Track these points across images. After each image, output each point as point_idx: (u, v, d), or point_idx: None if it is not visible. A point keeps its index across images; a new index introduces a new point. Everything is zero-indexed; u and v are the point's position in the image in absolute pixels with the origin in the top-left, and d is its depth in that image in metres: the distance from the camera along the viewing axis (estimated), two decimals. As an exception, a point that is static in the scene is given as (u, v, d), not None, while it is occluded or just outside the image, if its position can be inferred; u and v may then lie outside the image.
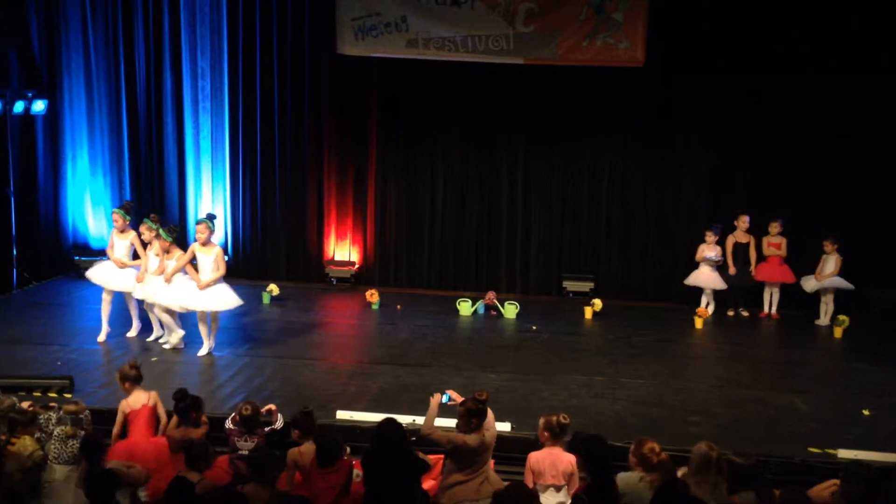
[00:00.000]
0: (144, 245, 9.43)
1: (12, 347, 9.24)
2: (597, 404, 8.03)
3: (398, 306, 11.46)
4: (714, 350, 10.13)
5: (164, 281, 9.05)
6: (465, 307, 11.24)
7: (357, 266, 12.60)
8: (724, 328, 10.95)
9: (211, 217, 9.30)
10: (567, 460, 5.83)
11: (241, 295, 11.63)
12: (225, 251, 12.64)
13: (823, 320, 11.03)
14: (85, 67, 12.54)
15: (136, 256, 9.55)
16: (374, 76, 12.17)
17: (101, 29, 12.43)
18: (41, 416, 6.34)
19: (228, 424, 6.55)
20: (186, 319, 9.47)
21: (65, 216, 12.83)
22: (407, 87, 12.15)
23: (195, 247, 9.07)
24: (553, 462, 5.83)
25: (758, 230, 11.26)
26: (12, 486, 5.37)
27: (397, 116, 12.30)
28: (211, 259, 9.03)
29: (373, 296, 11.41)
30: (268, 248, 12.79)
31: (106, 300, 9.53)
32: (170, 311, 9.17)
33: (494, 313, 11.23)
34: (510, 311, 11.15)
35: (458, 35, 11.46)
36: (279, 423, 6.70)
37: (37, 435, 6.21)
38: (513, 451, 6.69)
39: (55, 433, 6.14)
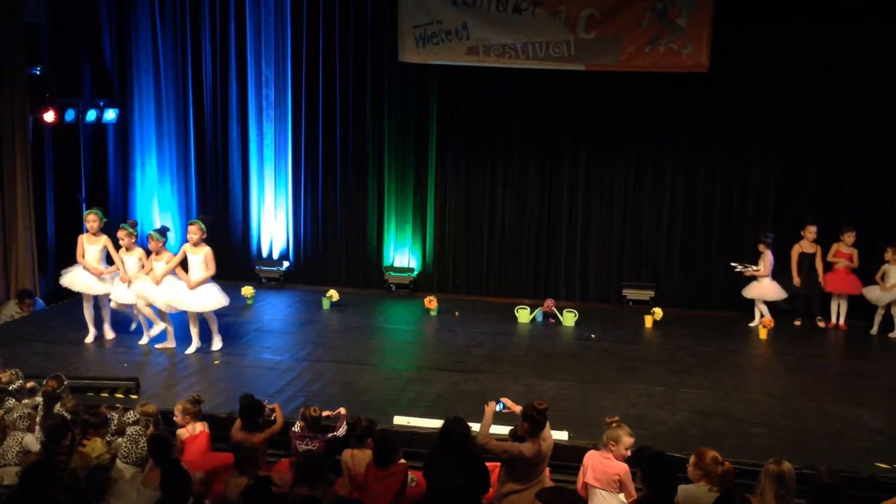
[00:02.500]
0: (117, 249, 9.59)
1: (81, 348, 9.56)
2: (657, 414, 7.91)
3: (456, 313, 11.47)
4: (779, 361, 9.88)
5: (154, 282, 9.27)
6: (523, 314, 11.20)
7: (416, 272, 12.66)
8: (789, 338, 10.68)
9: (203, 219, 9.51)
10: (616, 466, 5.76)
11: (301, 300, 12.02)
12: (286, 257, 12.91)
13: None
14: (154, 77, 12.88)
15: (109, 261, 9.71)
16: (434, 83, 12.23)
17: (170, 40, 12.76)
18: (110, 416, 6.53)
19: (294, 428, 6.67)
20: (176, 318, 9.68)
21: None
22: (467, 93, 12.20)
23: (186, 248, 9.33)
24: (603, 465, 5.78)
25: (820, 238, 11.00)
26: (77, 483, 5.54)
27: (457, 124, 12.34)
28: (200, 259, 9.26)
29: (431, 302, 11.44)
30: (328, 254, 12.94)
31: (87, 307, 9.71)
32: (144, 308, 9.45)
33: (553, 321, 11.17)
34: (569, 318, 11.07)
35: (518, 42, 11.43)
36: (341, 431, 6.76)
37: (107, 437, 6.40)
38: (570, 461, 6.63)
39: (128, 432, 6.31)
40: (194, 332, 9.43)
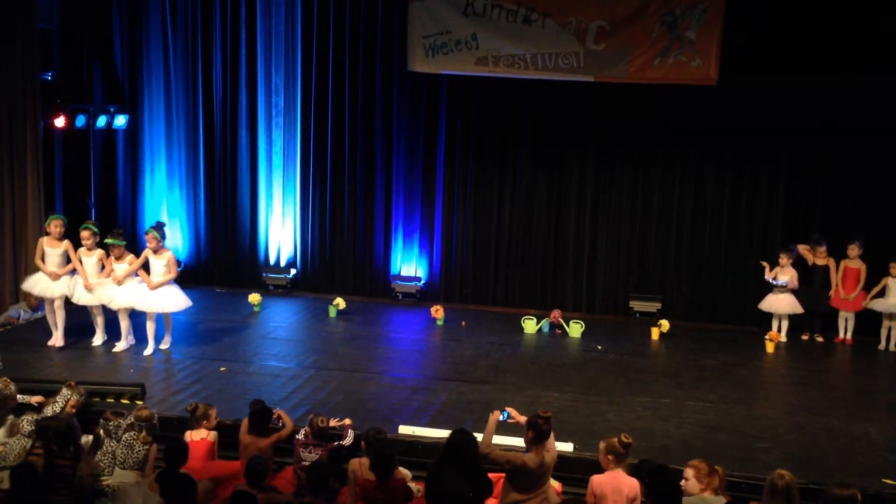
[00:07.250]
0: (77, 249, 9.62)
1: (87, 354, 9.59)
2: (662, 427, 7.88)
3: (463, 323, 11.47)
4: (785, 375, 9.85)
5: (116, 284, 9.47)
6: (529, 325, 11.19)
7: (423, 282, 12.66)
8: (796, 353, 10.65)
9: (157, 226, 9.66)
10: (629, 485, 5.70)
11: (307, 308, 12.04)
12: (293, 264, 12.94)
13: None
14: (165, 84, 12.94)
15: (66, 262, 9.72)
16: (443, 93, 12.26)
17: (182, 47, 12.82)
18: (110, 424, 6.54)
19: (299, 436, 6.67)
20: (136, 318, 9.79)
21: (142, 227, 13.14)
22: (476, 103, 12.22)
23: (147, 252, 9.54)
24: (617, 487, 5.64)
25: (835, 254, 10.96)
26: (83, 488, 5.56)
27: (466, 133, 12.35)
28: (163, 263, 9.52)
29: (438, 311, 11.44)
30: (335, 263, 12.96)
31: (49, 309, 9.76)
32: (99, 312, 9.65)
33: (559, 332, 11.15)
34: (575, 330, 11.06)
35: (527, 52, 11.45)
36: (348, 440, 6.75)
37: (109, 446, 6.40)
38: (575, 472, 6.62)
39: (123, 438, 6.33)
40: (150, 330, 9.58)
